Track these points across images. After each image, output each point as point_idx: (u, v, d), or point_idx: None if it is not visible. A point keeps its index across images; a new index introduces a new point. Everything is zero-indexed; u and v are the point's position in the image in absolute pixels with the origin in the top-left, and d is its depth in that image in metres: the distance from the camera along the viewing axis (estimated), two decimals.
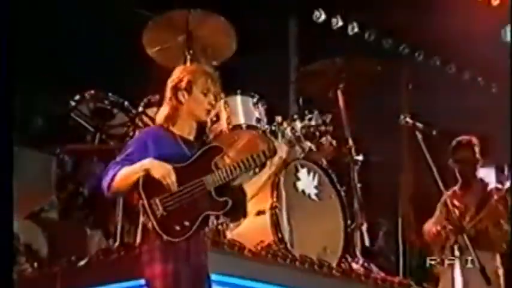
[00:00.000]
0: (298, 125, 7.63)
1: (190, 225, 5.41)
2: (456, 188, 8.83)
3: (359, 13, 10.72)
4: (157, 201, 5.37)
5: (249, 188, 5.93)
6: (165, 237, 5.34)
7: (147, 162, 5.43)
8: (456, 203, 8.61)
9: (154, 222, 5.35)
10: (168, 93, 5.73)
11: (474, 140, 8.93)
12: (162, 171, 5.41)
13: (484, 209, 8.51)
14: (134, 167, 5.43)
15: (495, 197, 8.59)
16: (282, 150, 5.75)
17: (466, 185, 8.81)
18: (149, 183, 5.39)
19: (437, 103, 9.87)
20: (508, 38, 11.62)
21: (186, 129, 5.70)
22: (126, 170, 5.44)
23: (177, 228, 5.38)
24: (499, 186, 8.89)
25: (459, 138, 8.96)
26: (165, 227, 5.36)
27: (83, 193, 7.76)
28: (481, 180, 8.92)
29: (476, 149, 8.83)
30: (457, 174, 8.82)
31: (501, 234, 8.56)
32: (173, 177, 5.41)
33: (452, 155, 8.88)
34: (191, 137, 5.71)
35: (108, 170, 5.54)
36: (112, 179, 5.46)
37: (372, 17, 10.79)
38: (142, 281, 5.61)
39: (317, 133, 6.49)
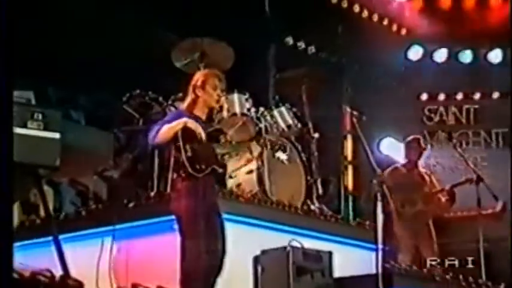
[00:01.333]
0: (275, 113, 7.66)
1: (206, 167, 5.36)
2: (401, 164, 8.72)
3: (315, 39, 10.63)
4: (187, 146, 5.32)
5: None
6: (191, 171, 5.29)
7: (185, 118, 5.42)
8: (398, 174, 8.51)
9: (185, 159, 5.31)
10: (190, 89, 5.68)
11: (421, 138, 8.85)
12: (195, 124, 5.40)
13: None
14: (175, 122, 5.41)
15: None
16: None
17: (409, 166, 8.64)
18: (184, 134, 5.34)
19: (367, 98, 9.77)
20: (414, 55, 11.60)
21: (200, 113, 5.65)
22: (168, 125, 5.42)
23: (197, 167, 5.32)
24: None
25: (412, 137, 8.85)
26: (190, 164, 5.31)
27: (130, 158, 7.67)
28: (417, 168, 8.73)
29: (421, 143, 8.71)
30: (404, 156, 8.69)
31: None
32: (201, 129, 5.38)
33: (404, 143, 8.80)
34: (204, 118, 5.67)
35: (153, 129, 5.51)
36: (157, 133, 5.42)
37: (323, 42, 10.69)
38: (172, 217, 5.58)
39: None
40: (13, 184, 3.58)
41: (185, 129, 5.37)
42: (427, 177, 8.53)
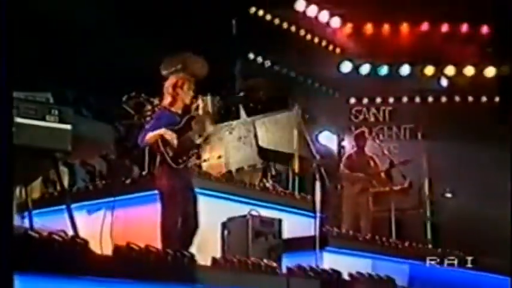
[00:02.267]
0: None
1: (187, 159, 5.29)
2: (352, 152, 8.60)
3: (271, 55, 10.50)
4: (168, 148, 5.23)
5: None
6: (174, 166, 5.21)
7: (163, 130, 5.28)
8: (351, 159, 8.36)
9: (169, 159, 5.22)
10: (170, 89, 5.51)
11: (366, 129, 8.76)
12: (170, 135, 5.27)
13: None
14: (156, 132, 5.28)
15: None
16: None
17: (359, 152, 8.47)
18: (164, 140, 5.25)
19: (309, 101, 9.68)
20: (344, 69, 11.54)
21: (178, 108, 5.50)
22: (151, 134, 5.31)
23: (180, 161, 5.25)
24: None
25: (359, 130, 8.70)
26: (174, 160, 5.23)
27: (128, 146, 7.47)
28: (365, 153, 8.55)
29: (366, 135, 8.62)
30: (355, 145, 8.56)
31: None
32: (175, 138, 5.25)
33: (353, 135, 8.72)
34: (180, 112, 5.52)
35: (143, 133, 5.39)
36: (144, 137, 5.33)
37: (276, 57, 10.57)
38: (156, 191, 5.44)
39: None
40: (12, 178, 3.13)
41: (163, 138, 5.26)
42: (372, 162, 8.43)
